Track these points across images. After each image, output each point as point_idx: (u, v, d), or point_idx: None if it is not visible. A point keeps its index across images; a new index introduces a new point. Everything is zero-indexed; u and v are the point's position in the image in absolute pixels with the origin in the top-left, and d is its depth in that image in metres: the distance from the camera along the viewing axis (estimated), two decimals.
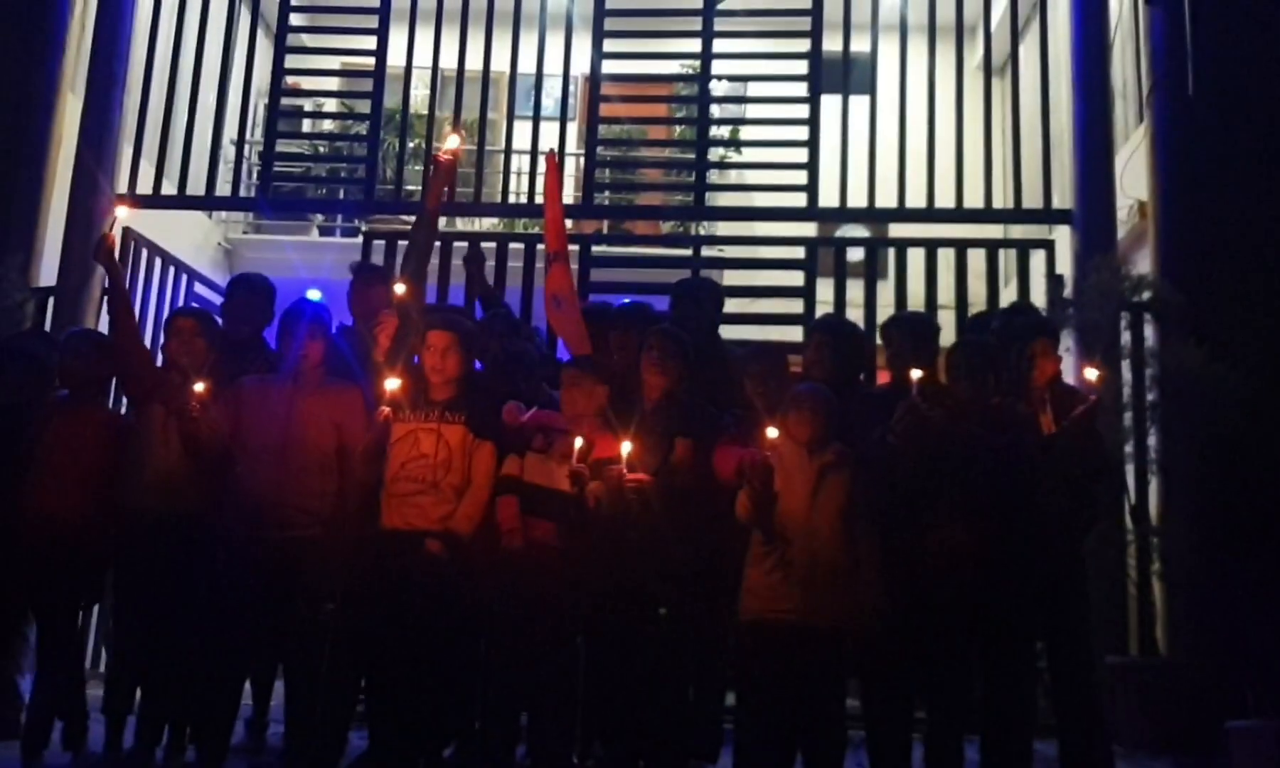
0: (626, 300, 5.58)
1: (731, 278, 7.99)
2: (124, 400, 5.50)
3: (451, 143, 4.97)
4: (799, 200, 7.09)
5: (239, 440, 4.47)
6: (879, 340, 4.92)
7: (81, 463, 4.60)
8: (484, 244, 6.59)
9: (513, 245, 7.15)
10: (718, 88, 8.17)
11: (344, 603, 4.40)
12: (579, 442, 4.19)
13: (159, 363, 5.01)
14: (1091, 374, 4.59)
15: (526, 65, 7.42)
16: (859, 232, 9.57)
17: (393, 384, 4.24)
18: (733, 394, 4.66)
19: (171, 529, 4.46)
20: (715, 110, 9.79)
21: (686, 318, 5.13)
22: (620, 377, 4.73)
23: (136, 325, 5.18)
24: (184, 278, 7.90)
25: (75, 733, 4.62)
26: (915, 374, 4.07)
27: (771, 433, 4.04)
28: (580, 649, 4.45)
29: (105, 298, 5.09)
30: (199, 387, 4.29)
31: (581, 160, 7.31)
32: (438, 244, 6.25)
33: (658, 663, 4.34)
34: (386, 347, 4.56)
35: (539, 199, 6.84)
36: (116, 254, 4.68)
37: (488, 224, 9.95)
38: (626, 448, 4.14)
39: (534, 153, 7.25)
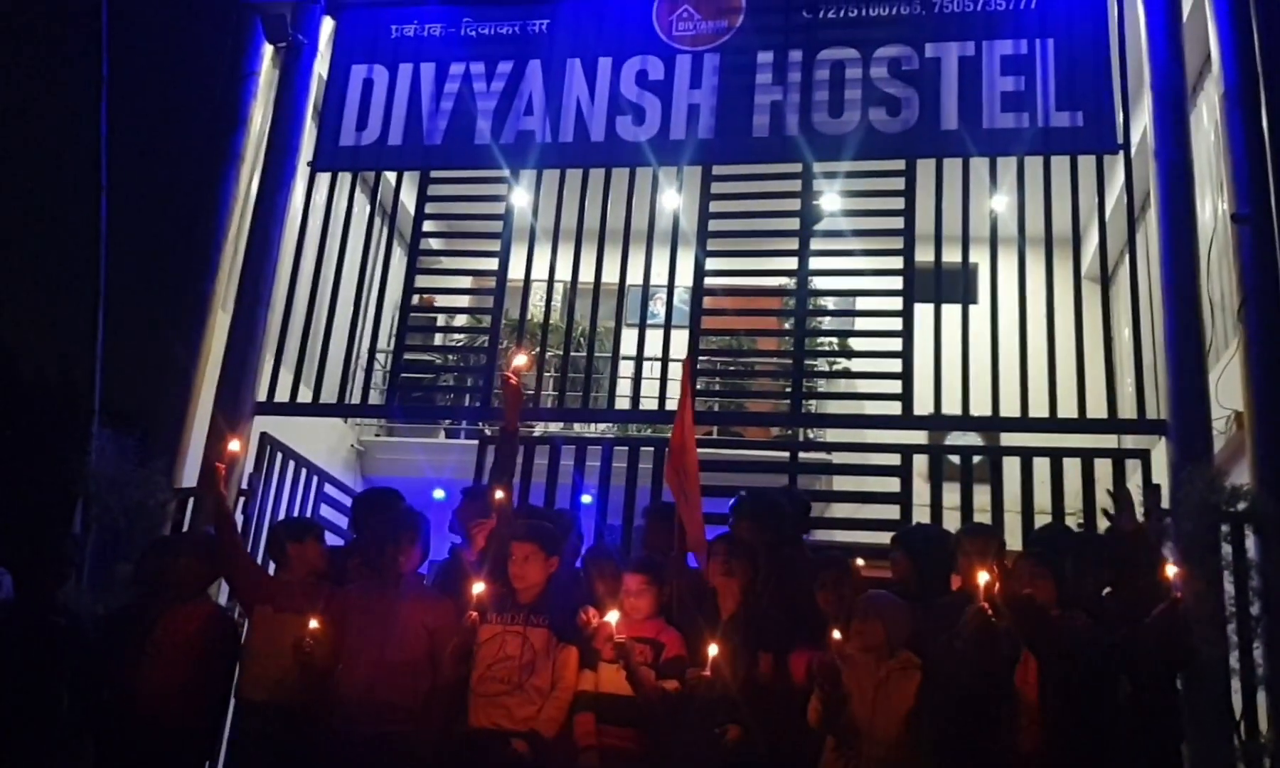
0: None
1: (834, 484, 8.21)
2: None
3: (518, 361, 5.34)
4: (895, 408, 7.27)
5: (343, 644, 4.80)
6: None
7: (187, 656, 4.98)
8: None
9: (618, 448, 7.46)
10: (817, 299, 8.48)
11: None
12: (713, 650, 4.34)
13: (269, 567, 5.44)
14: (1171, 571, 4.63)
15: (635, 277, 7.84)
16: (975, 439, 9.62)
17: (478, 589, 4.52)
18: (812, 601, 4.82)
19: (279, 721, 4.81)
20: (829, 322, 10.14)
21: (769, 525, 5.31)
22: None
23: (240, 544, 5.61)
24: (315, 479, 8.39)
25: None
26: (983, 579, 4.17)
27: (836, 635, 4.20)
28: None
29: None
30: (313, 623, 4.65)
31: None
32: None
33: None
34: (482, 546, 4.87)
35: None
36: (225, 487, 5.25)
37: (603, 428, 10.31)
38: (713, 651, 4.33)
39: (639, 359, 7.65)
